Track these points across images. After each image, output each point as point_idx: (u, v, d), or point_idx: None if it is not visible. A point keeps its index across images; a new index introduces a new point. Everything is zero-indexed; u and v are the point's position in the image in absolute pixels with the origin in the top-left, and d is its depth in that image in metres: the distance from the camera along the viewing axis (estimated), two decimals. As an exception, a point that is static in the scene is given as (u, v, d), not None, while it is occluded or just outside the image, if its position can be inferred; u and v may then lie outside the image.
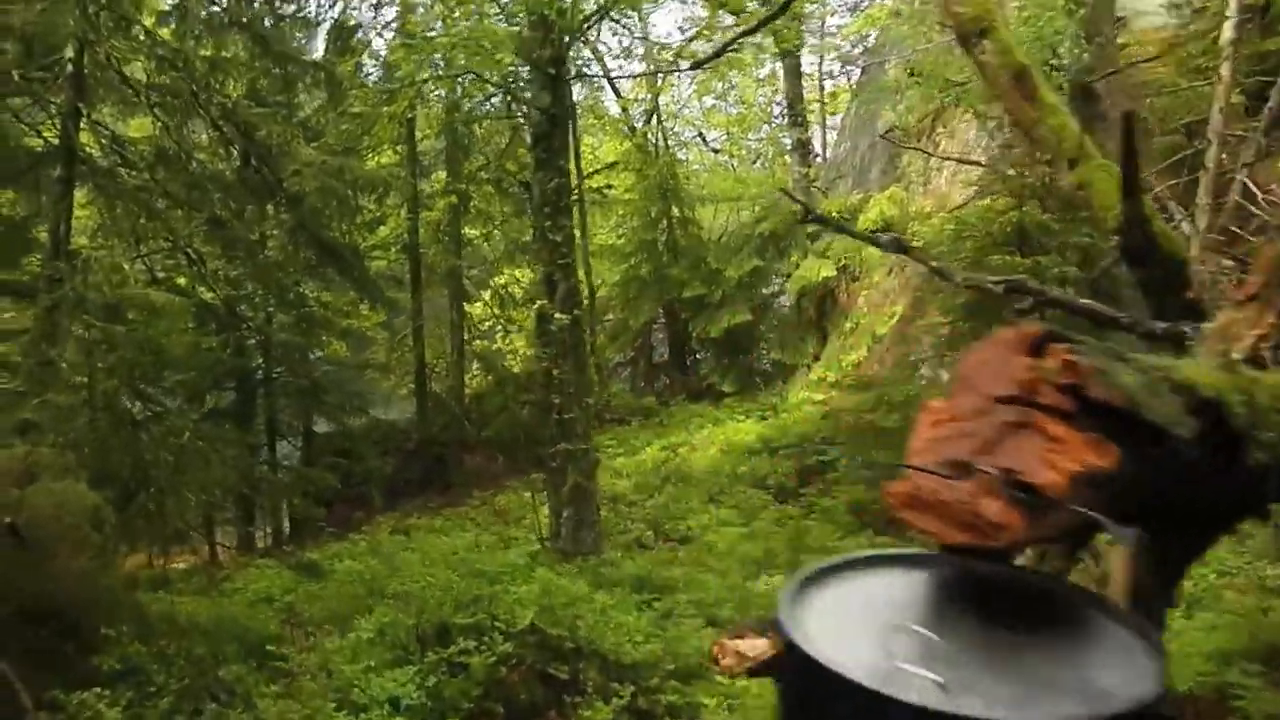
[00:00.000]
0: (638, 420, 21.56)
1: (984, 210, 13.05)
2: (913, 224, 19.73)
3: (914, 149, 20.30)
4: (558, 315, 9.27)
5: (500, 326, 22.67)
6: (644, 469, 17.36)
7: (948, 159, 17.39)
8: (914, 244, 16.79)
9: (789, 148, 24.79)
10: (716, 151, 27.95)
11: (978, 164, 15.68)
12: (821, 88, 29.99)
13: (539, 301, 9.43)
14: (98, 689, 6.36)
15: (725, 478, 15.59)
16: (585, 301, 9.45)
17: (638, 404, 22.63)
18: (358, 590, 11.05)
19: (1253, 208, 13.55)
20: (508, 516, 16.34)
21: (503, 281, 21.96)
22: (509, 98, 11.81)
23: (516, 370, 21.22)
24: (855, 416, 15.22)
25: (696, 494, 15.06)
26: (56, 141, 9.81)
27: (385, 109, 12.24)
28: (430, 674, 5.77)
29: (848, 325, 20.61)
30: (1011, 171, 13.13)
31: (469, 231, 20.11)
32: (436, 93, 14.56)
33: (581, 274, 23.73)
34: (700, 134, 28.15)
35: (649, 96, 24.47)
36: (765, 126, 28.26)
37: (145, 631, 7.74)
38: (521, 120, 12.89)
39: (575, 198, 9.64)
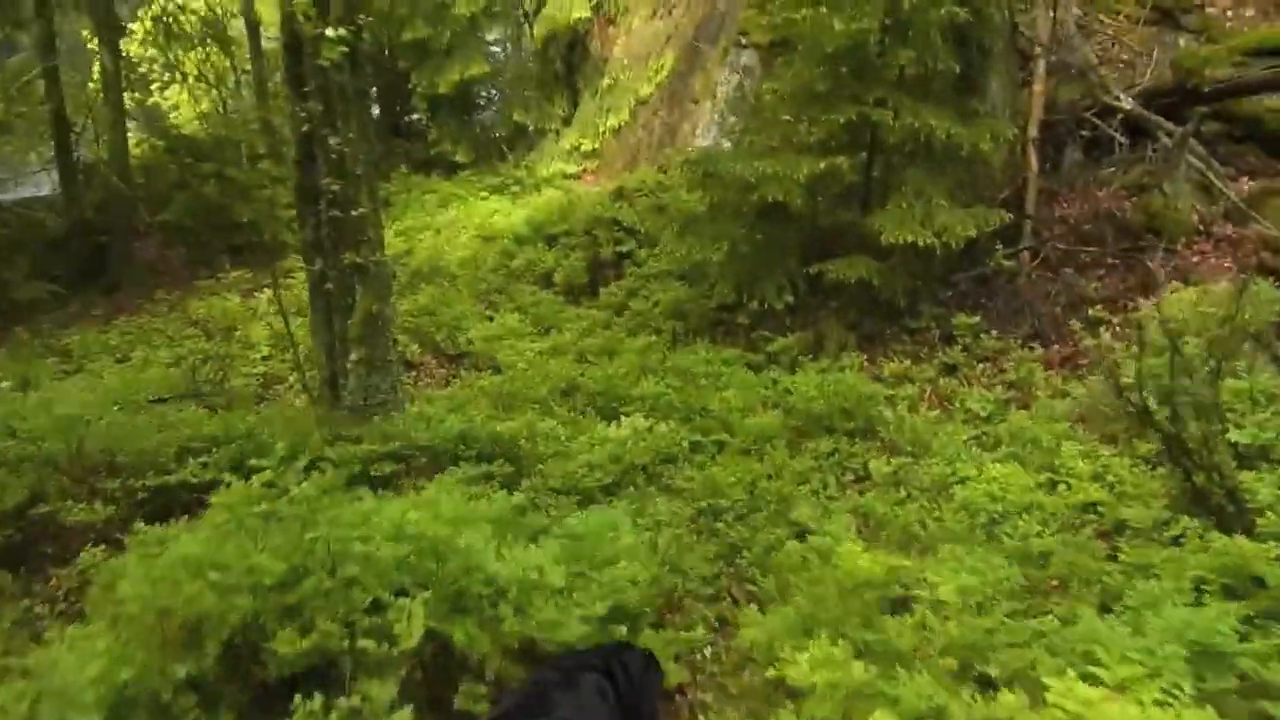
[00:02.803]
0: (357, 196, 17.66)
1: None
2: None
3: None
4: (329, 34, 5.68)
5: (166, 74, 17.30)
6: (381, 260, 13.96)
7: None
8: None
9: None
10: None
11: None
12: None
13: (301, 15, 5.71)
14: None
15: (494, 273, 12.73)
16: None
17: (355, 176, 18.51)
18: None
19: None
20: (211, 328, 12.52)
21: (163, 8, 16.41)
22: None
23: (193, 133, 16.30)
24: (653, 197, 12.76)
25: (464, 296, 12.15)
26: None
27: None
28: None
29: (605, 82, 17.66)
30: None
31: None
32: None
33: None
34: None
35: None
36: None
37: None
38: None
39: None
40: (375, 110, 21.55)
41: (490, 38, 20.74)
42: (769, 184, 9.00)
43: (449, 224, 15.21)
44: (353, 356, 6.13)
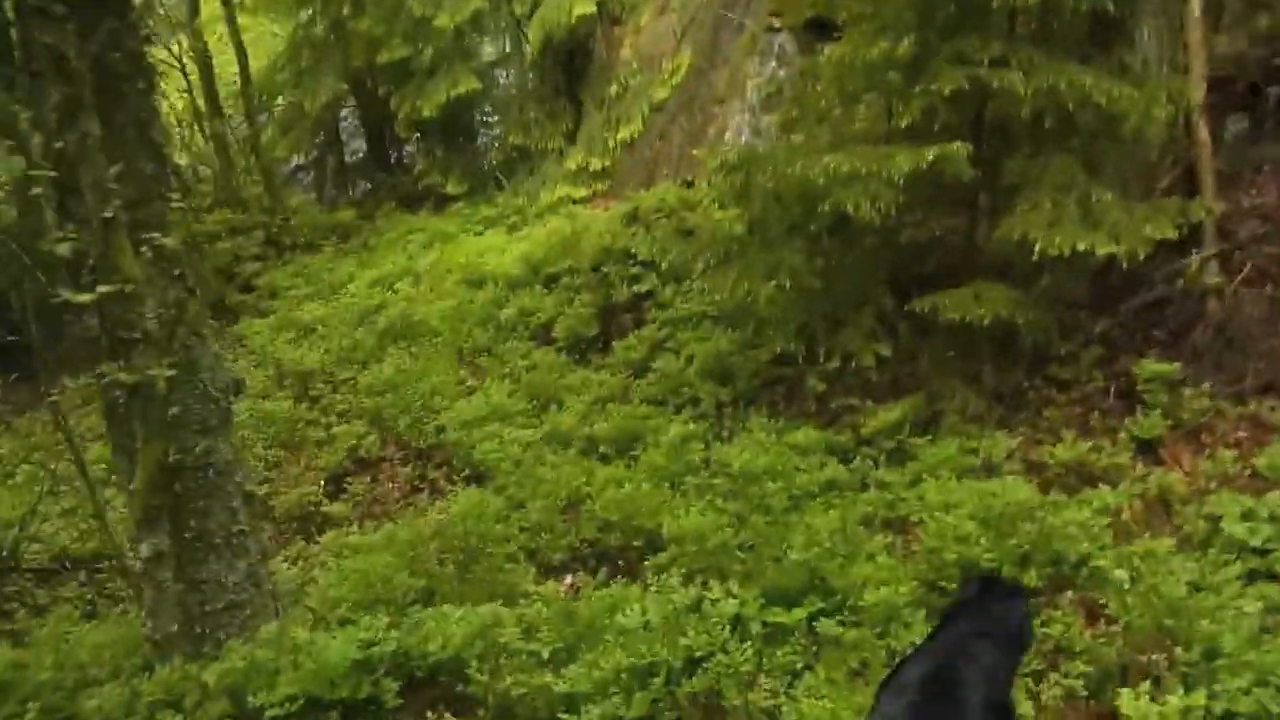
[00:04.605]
0: (332, 244, 15.07)
1: None
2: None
3: None
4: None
5: None
6: (347, 320, 11.32)
7: None
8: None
9: None
10: None
11: None
12: None
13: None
14: None
15: (481, 328, 9.93)
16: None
17: (329, 221, 16.04)
18: None
19: None
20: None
21: None
22: None
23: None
24: (676, 219, 9.95)
25: (441, 360, 9.42)
26: None
27: None
28: None
29: (612, 90, 14.94)
30: None
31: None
32: None
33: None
34: None
35: None
36: None
37: None
38: None
39: None
40: (361, 145, 19.21)
41: (483, 51, 18.22)
42: (847, 188, 6.13)
43: (433, 267, 12.52)
44: (144, 549, 3.37)
